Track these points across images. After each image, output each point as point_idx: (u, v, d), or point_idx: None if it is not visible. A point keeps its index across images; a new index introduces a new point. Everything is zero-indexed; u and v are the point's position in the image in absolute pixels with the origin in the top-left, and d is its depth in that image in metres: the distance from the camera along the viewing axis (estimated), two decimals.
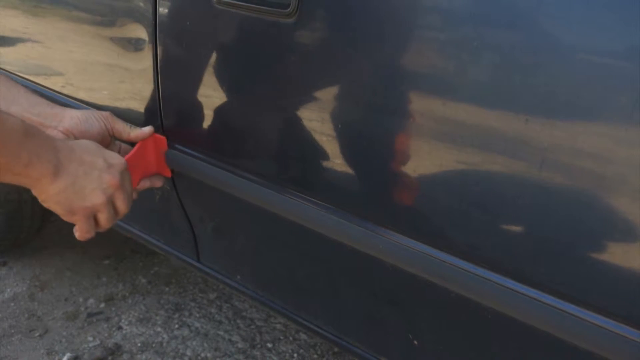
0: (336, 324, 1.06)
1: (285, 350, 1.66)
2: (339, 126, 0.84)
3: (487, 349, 0.84)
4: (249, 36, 0.92)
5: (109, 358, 1.60)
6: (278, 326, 1.75)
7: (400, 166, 0.79)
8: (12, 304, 1.80)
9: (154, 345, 1.66)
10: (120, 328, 1.71)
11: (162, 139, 1.07)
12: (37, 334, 1.68)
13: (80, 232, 0.91)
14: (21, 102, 0.97)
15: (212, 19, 0.95)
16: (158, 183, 1.10)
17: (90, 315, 1.76)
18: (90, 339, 1.67)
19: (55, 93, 1.30)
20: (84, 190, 0.85)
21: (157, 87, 1.06)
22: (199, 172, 1.06)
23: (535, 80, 0.65)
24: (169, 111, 1.08)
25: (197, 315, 1.79)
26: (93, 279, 1.93)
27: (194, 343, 1.67)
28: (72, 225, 0.91)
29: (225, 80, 0.98)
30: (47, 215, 1.93)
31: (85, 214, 0.88)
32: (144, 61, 1.07)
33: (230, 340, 1.69)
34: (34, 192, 0.83)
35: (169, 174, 1.10)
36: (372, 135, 0.81)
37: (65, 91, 1.28)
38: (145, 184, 1.08)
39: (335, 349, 1.66)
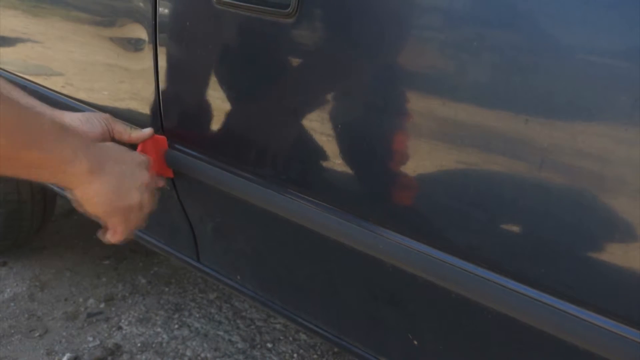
0: (336, 324, 1.06)
1: (285, 351, 1.66)
2: (339, 126, 0.84)
3: (487, 349, 0.84)
4: (249, 36, 0.92)
5: (109, 358, 1.60)
6: (278, 326, 1.75)
7: (400, 166, 0.79)
8: (12, 304, 1.80)
9: (153, 345, 1.66)
10: (120, 328, 1.71)
11: (162, 139, 1.07)
12: (37, 334, 1.68)
13: (118, 234, 0.89)
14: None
15: (212, 19, 0.95)
16: (160, 183, 1.10)
17: (90, 315, 1.76)
18: (90, 339, 1.67)
19: (55, 93, 1.30)
20: (122, 189, 0.84)
21: (157, 88, 1.06)
22: (199, 172, 1.06)
23: (535, 81, 0.65)
24: (169, 111, 1.08)
25: (197, 315, 1.79)
26: (93, 279, 1.93)
27: (194, 343, 1.67)
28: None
29: (225, 80, 0.98)
30: (47, 215, 1.93)
31: (125, 214, 0.86)
32: (144, 61, 1.07)
33: (230, 340, 1.69)
34: (74, 194, 0.80)
35: (171, 174, 1.10)
36: (372, 135, 0.81)
37: (65, 91, 1.28)
38: None
39: (335, 349, 1.66)
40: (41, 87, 1.33)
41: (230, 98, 0.98)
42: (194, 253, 1.25)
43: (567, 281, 0.68)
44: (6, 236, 1.87)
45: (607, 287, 0.66)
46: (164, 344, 1.66)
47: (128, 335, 1.69)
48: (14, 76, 1.40)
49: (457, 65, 0.71)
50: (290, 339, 1.71)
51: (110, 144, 0.89)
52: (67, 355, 1.60)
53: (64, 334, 1.69)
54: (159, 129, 1.09)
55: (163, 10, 1.01)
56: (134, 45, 1.10)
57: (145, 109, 1.11)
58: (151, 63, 1.05)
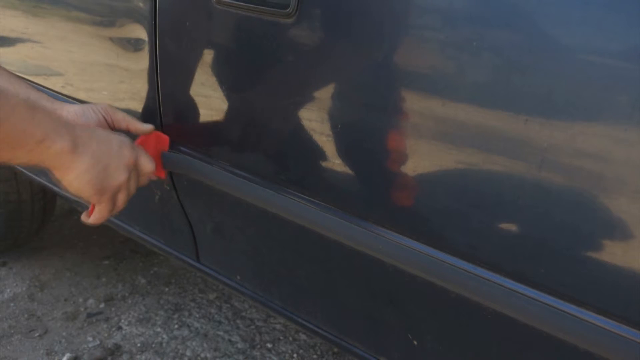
0: (336, 324, 1.06)
1: (285, 351, 1.66)
2: (339, 126, 0.84)
3: (487, 349, 0.84)
4: (248, 36, 0.92)
5: (109, 358, 1.60)
6: (278, 326, 1.75)
7: (400, 166, 0.79)
8: (12, 304, 1.80)
9: (153, 345, 1.66)
10: (119, 328, 1.71)
11: (165, 138, 1.06)
12: (37, 334, 1.68)
13: (101, 214, 0.89)
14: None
15: (212, 19, 0.95)
16: (150, 171, 1.07)
17: (90, 315, 1.76)
18: (90, 339, 1.67)
19: (55, 93, 1.30)
20: (110, 167, 0.84)
21: (157, 88, 1.06)
22: (199, 172, 1.06)
23: (534, 81, 0.65)
24: (169, 111, 1.08)
25: (197, 315, 1.79)
26: (93, 279, 1.93)
27: (194, 343, 1.67)
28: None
29: (225, 80, 0.98)
30: (47, 215, 1.93)
31: (113, 194, 0.86)
32: (144, 61, 1.07)
33: (230, 340, 1.69)
34: (59, 174, 0.80)
35: (163, 176, 1.09)
36: (372, 135, 0.81)
37: (65, 91, 1.28)
38: None
39: (335, 349, 1.66)
40: (41, 87, 1.33)
41: (229, 98, 0.98)
42: (193, 253, 1.25)
43: (567, 281, 0.68)
44: (6, 236, 1.87)
45: (607, 287, 0.66)
46: (164, 344, 1.66)
47: (128, 336, 1.69)
48: None
49: (457, 65, 0.71)
50: (290, 339, 1.71)
51: (95, 127, 0.88)
52: (67, 355, 1.60)
53: (64, 334, 1.69)
54: (159, 128, 1.09)
55: (163, 10, 1.01)
56: (133, 45, 1.10)
57: (145, 109, 1.11)
58: (151, 63, 1.05)
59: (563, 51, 0.64)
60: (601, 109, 0.62)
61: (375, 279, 0.92)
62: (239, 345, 1.67)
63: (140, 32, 1.07)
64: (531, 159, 0.67)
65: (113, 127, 1.03)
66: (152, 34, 1.03)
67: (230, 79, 0.97)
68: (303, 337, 1.72)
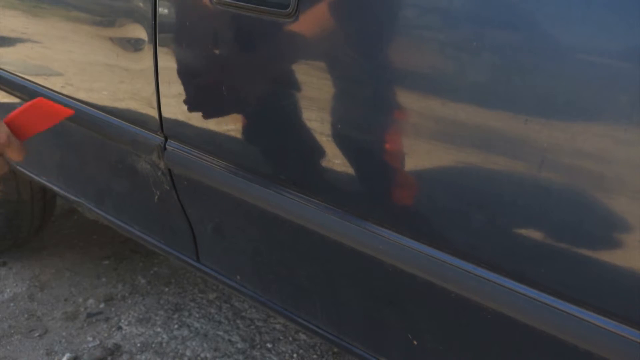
0: (336, 324, 1.06)
1: (285, 351, 1.66)
2: (339, 126, 0.84)
3: (487, 349, 0.84)
4: (248, 36, 0.92)
5: (109, 358, 1.60)
6: (277, 326, 1.75)
7: (400, 166, 0.79)
8: (12, 304, 1.80)
9: (153, 345, 1.66)
10: (119, 328, 1.71)
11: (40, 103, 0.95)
12: (37, 334, 1.68)
13: None
14: None
15: (212, 19, 0.95)
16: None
17: (89, 315, 1.76)
18: (90, 339, 1.67)
19: (55, 93, 1.30)
20: None
21: (157, 88, 1.06)
22: (199, 172, 1.06)
23: (534, 81, 0.65)
24: (169, 111, 1.08)
25: (197, 315, 1.79)
26: (93, 279, 1.93)
27: (194, 343, 1.67)
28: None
29: (225, 80, 0.98)
30: (47, 215, 1.93)
31: None
32: (144, 61, 1.07)
33: (229, 340, 1.69)
34: None
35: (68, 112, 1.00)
36: (372, 135, 0.81)
37: (65, 91, 1.28)
38: None
39: (335, 349, 1.66)
40: (41, 87, 1.33)
41: (229, 98, 0.98)
42: (193, 253, 1.25)
43: (567, 281, 0.68)
44: (6, 236, 1.87)
45: (607, 287, 0.66)
46: (164, 344, 1.66)
47: (128, 336, 1.69)
48: (14, 76, 1.40)
49: (457, 65, 0.71)
50: (290, 339, 1.71)
51: None
52: (67, 355, 1.60)
53: (64, 334, 1.69)
54: (159, 128, 1.09)
55: (163, 10, 1.01)
56: (133, 45, 1.10)
57: (144, 109, 1.11)
58: (151, 63, 1.05)
59: (563, 51, 0.64)
60: (601, 109, 0.62)
61: (375, 279, 0.92)
62: (239, 345, 1.67)
63: (140, 32, 1.07)
64: (531, 159, 0.67)
65: None
66: (152, 34, 1.03)
67: (230, 78, 0.97)
68: (303, 337, 1.72)
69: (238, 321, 1.77)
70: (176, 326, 1.73)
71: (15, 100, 1.43)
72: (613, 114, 0.61)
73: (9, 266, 1.96)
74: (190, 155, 1.06)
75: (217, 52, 0.98)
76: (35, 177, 1.55)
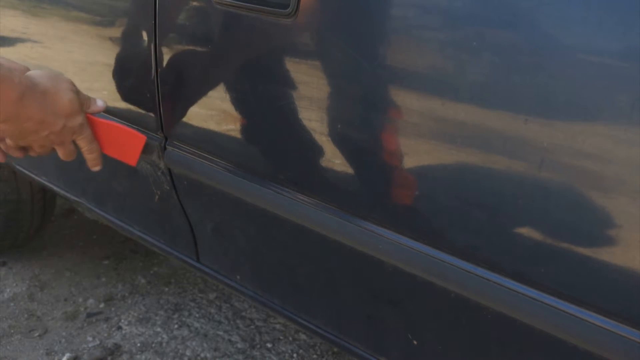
0: (336, 324, 1.06)
1: (285, 351, 1.66)
2: (339, 126, 0.84)
3: (487, 349, 0.84)
4: (248, 36, 0.92)
5: (109, 358, 1.60)
6: (277, 326, 1.75)
7: (400, 166, 0.79)
8: (12, 304, 1.80)
9: (153, 345, 1.66)
10: (119, 328, 1.71)
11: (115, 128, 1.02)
12: (37, 334, 1.68)
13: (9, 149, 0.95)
14: None
15: (212, 19, 0.95)
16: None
17: (89, 315, 1.76)
18: (90, 339, 1.67)
19: None
20: (48, 109, 0.88)
21: (157, 87, 1.06)
22: (199, 172, 1.06)
23: (534, 80, 0.65)
24: (169, 111, 1.08)
25: (197, 315, 1.79)
26: (92, 279, 1.93)
27: (194, 343, 1.67)
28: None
29: (225, 80, 0.98)
30: (47, 215, 1.93)
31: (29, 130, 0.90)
32: (144, 61, 1.07)
33: (229, 340, 1.69)
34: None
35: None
36: (372, 135, 0.81)
37: None
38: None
39: (335, 349, 1.66)
40: None
41: (229, 98, 0.98)
42: (193, 253, 1.25)
43: (567, 281, 0.68)
44: (6, 236, 1.87)
45: (607, 287, 0.66)
46: (164, 344, 1.66)
47: (128, 335, 1.69)
48: None
49: (457, 65, 0.71)
50: (290, 339, 1.71)
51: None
52: (67, 355, 1.60)
53: (64, 334, 1.69)
54: (159, 128, 1.09)
55: (163, 10, 1.01)
56: (133, 45, 1.10)
57: (144, 109, 1.11)
58: (151, 63, 1.05)
59: (563, 51, 0.64)
60: (601, 109, 0.62)
61: (375, 279, 0.92)
62: (239, 345, 1.67)
63: (140, 32, 1.07)
64: (531, 159, 0.67)
65: None
66: (152, 34, 1.03)
67: (230, 78, 0.97)
68: (303, 337, 1.72)
69: (238, 321, 1.77)
70: (176, 326, 1.73)
71: None
72: (613, 114, 0.61)
73: (9, 266, 1.96)
74: (190, 155, 1.06)
75: (216, 52, 0.98)
76: (35, 177, 1.55)
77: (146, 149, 1.05)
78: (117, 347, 1.64)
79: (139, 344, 1.65)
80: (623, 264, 0.64)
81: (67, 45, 1.26)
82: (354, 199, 0.87)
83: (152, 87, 1.07)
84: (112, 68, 1.15)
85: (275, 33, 0.87)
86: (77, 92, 0.94)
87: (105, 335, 1.68)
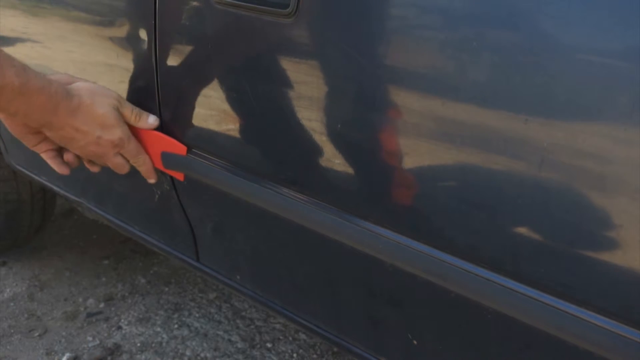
0: (336, 324, 1.06)
1: (285, 350, 1.66)
2: (339, 126, 0.84)
3: (487, 349, 0.84)
4: (248, 36, 0.92)
5: (109, 358, 1.60)
6: (277, 326, 1.75)
7: (400, 166, 0.79)
8: (12, 304, 1.80)
9: (153, 345, 1.66)
10: (119, 328, 1.71)
11: (169, 143, 1.07)
12: (37, 334, 1.68)
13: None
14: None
15: (212, 18, 0.95)
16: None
17: (89, 315, 1.76)
18: (90, 339, 1.67)
19: None
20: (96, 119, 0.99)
21: (157, 87, 1.06)
22: (199, 172, 1.06)
23: (535, 80, 0.65)
24: (169, 111, 1.08)
25: (197, 315, 1.79)
26: (92, 279, 1.93)
27: (194, 343, 1.67)
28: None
29: (225, 80, 0.98)
30: (47, 215, 1.93)
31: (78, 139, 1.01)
32: (144, 61, 1.07)
33: (229, 340, 1.69)
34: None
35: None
36: (372, 135, 0.81)
37: None
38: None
39: (335, 349, 1.66)
40: None
41: (229, 98, 0.98)
42: (193, 253, 1.25)
43: (567, 281, 0.68)
44: (6, 236, 1.87)
45: (607, 287, 0.66)
46: (164, 344, 1.66)
47: (128, 335, 1.69)
48: None
49: (457, 65, 0.71)
50: (290, 338, 1.71)
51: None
52: (67, 355, 1.60)
53: (64, 333, 1.69)
54: (159, 128, 1.09)
55: (163, 10, 1.01)
56: (133, 45, 1.10)
57: (144, 109, 1.11)
58: (151, 63, 1.05)
59: (563, 51, 0.64)
60: (601, 109, 0.62)
61: (375, 278, 0.92)
62: (239, 345, 1.67)
63: (140, 32, 1.07)
64: (531, 159, 0.67)
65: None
66: (152, 34, 1.03)
67: (229, 78, 0.97)
68: (303, 336, 1.72)
69: (238, 321, 1.77)
70: (176, 326, 1.74)
71: None
72: (613, 114, 0.61)
73: (9, 266, 1.96)
74: (191, 156, 1.06)
75: (216, 52, 0.98)
76: (35, 177, 1.55)
77: None
78: (117, 347, 1.64)
79: (139, 344, 1.66)
80: (623, 264, 0.64)
81: (67, 45, 1.26)
82: (354, 199, 0.87)
83: (152, 86, 1.07)
84: (112, 68, 1.15)
85: (275, 33, 0.87)
86: (116, 108, 1.01)
87: (105, 335, 1.69)
